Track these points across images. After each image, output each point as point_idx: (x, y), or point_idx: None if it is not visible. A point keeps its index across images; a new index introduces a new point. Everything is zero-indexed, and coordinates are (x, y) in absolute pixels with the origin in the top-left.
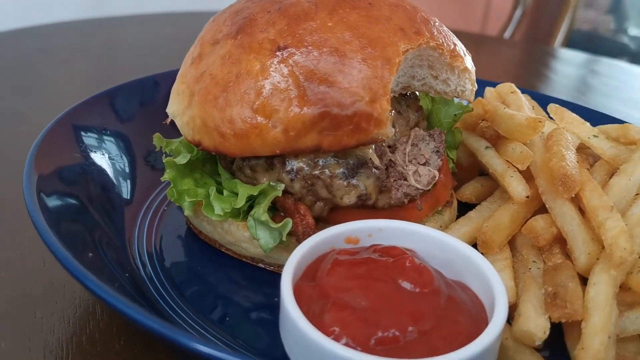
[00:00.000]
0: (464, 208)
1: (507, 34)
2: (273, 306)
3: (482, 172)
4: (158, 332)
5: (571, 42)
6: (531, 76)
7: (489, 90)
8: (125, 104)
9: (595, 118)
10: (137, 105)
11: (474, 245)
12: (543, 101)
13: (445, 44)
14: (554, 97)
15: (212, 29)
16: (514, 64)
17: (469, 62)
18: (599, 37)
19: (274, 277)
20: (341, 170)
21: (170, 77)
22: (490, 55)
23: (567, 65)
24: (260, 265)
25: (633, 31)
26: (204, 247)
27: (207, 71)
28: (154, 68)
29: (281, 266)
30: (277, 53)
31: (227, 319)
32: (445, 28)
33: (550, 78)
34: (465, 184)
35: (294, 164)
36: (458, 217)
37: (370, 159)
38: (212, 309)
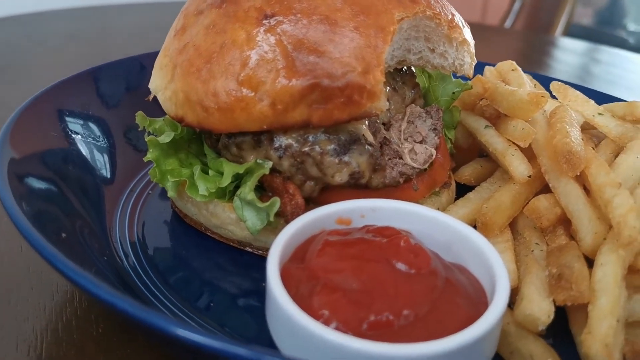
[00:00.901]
0: (463, 191)
1: (506, 26)
2: (261, 292)
3: (481, 153)
4: (132, 315)
5: (570, 36)
6: (532, 65)
7: (488, 70)
8: (108, 83)
9: (599, 100)
10: (119, 85)
11: (473, 228)
12: (545, 83)
13: (442, 14)
14: (556, 78)
15: (197, 0)
16: (515, 53)
17: (467, 34)
18: (598, 32)
19: (262, 262)
20: (332, 146)
21: (154, 57)
22: (491, 44)
23: (569, 54)
24: (248, 249)
25: (632, 26)
26: (190, 231)
27: (190, 42)
28: None
29: (269, 250)
30: (264, 22)
31: (212, 304)
32: None
33: (551, 66)
34: (464, 165)
35: (283, 141)
36: (456, 199)
37: (364, 135)
38: (197, 296)
